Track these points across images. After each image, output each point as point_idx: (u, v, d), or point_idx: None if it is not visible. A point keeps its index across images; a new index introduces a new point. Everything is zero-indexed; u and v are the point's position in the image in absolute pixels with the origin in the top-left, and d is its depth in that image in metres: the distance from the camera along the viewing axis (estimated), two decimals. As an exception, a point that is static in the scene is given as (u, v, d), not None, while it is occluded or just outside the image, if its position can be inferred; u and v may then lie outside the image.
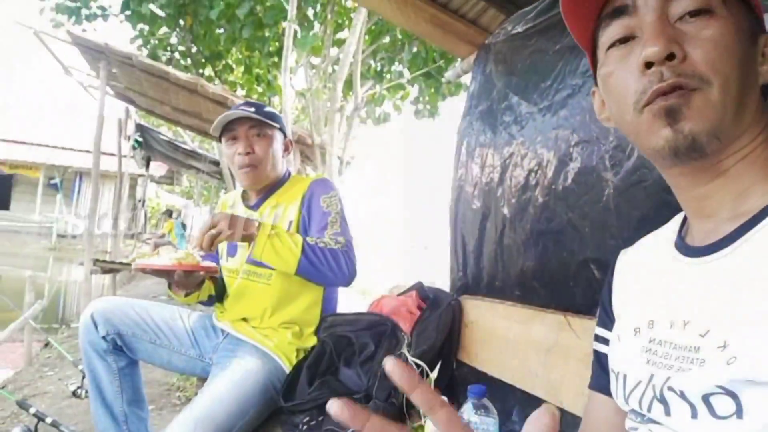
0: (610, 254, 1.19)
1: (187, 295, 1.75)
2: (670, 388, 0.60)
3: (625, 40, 0.65)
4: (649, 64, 0.60)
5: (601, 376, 0.85)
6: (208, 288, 1.86)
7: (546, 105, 1.46)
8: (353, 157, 7.44)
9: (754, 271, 0.57)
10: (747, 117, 0.61)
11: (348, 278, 1.63)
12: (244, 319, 1.79)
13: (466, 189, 1.99)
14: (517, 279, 1.60)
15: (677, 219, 0.77)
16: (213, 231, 1.53)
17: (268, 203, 1.82)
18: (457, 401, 1.90)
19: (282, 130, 1.84)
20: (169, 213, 13.75)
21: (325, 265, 1.59)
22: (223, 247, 1.84)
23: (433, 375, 1.76)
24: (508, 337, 1.61)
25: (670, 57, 0.59)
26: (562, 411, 1.34)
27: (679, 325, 0.63)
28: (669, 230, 0.77)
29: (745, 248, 0.59)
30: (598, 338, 0.88)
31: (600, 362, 0.86)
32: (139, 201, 16.54)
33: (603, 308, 0.88)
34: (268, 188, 1.83)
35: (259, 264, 1.75)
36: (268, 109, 1.81)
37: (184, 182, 20.44)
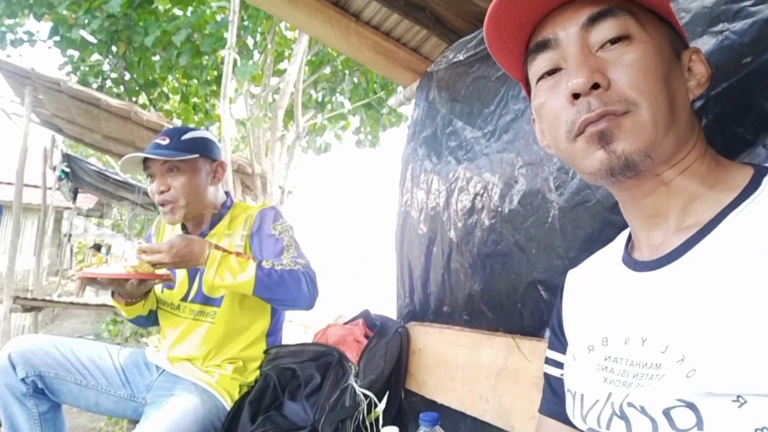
0: (557, 275, 1.21)
1: (131, 304, 1.66)
2: (630, 404, 0.60)
3: (552, 71, 0.68)
4: (576, 95, 0.63)
5: (552, 401, 0.85)
6: (152, 301, 1.76)
7: (490, 129, 1.49)
8: (295, 186, 7.37)
9: (704, 283, 0.58)
10: (680, 132, 0.63)
11: (310, 300, 1.57)
12: (186, 359, 1.69)
13: (411, 214, 1.99)
14: (465, 303, 1.60)
15: (623, 236, 0.79)
16: (169, 258, 1.45)
17: (213, 233, 1.74)
18: (406, 431, 1.86)
19: (208, 155, 1.71)
20: (97, 247, 13.09)
21: (286, 286, 1.52)
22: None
23: (382, 405, 1.72)
24: (457, 363, 1.59)
25: (596, 86, 0.62)
26: (513, 436, 1.33)
27: (636, 341, 0.63)
28: (616, 247, 0.79)
29: (694, 260, 0.61)
30: (550, 361, 0.87)
31: (551, 386, 0.86)
32: (65, 235, 15.69)
33: (553, 331, 0.88)
34: (209, 220, 1.75)
35: (205, 301, 1.68)
36: (186, 136, 1.67)
37: (114, 215, 19.60)
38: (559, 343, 0.85)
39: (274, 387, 1.75)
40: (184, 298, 1.72)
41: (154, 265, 1.47)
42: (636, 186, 0.65)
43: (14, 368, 1.56)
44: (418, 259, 1.92)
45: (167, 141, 1.63)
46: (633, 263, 0.70)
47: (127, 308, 1.68)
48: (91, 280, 1.50)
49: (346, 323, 2.00)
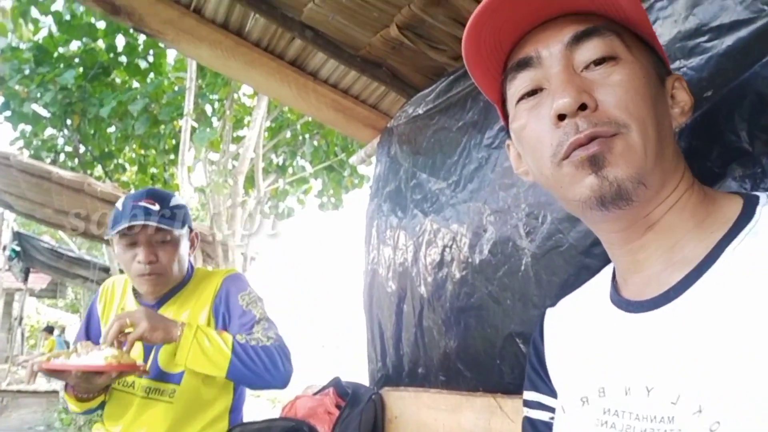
0: (534, 326, 1.15)
1: (87, 399, 1.50)
2: None
3: (533, 92, 0.64)
4: (561, 117, 0.59)
5: None
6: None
7: (455, 180, 1.46)
8: (258, 253, 7.24)
9: (709, 322, 0.53)
10: (667, 163, 0.60)
11: (285, 377, 1.46)
12: None
13: (379, 272, 1.92)
14: (441, 363, 1.52)
15: (606, 271, 0.74)
16: (132, 331, 1.33)
17: (171, 305, 1.60)
18: None
19: (189, 225, 1.63)
20: (49, 329, 12.49)
21: (260, 365, 1.41)
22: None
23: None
24: (436, 429, 1.50)
25: (582, 107, 0.58)
26: (503, 506, 1.23)
27: (639, 391, 0.57)
28: (600, 284, 0.74)
29: (695, 299, 0.56)
30: (532, 404, 0.79)
31: (536, 429, 0.77)
32: (16, 319, 14.92)
33: (534, 371, 0.80)
34: (170, 288, 1.62)
35: (161, 377, 1.54)
36: (174, 201, 1.59)
37: (69, 294, 18.81)
38: (544, 384, 0.78)
39: (239, 470, 1.60)
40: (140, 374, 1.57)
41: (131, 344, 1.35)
42: (625, 227, 0.62)
43: None
44: (388, 319, 1.84)
45: (157, 207, 1.51)
46: (625, 303, 0.65)
47: (80, 403, 1.51)
48: (57, 373, 1.33)
49: (315, 394, 1.88)
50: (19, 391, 5.36)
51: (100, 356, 1.29)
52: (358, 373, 2.02)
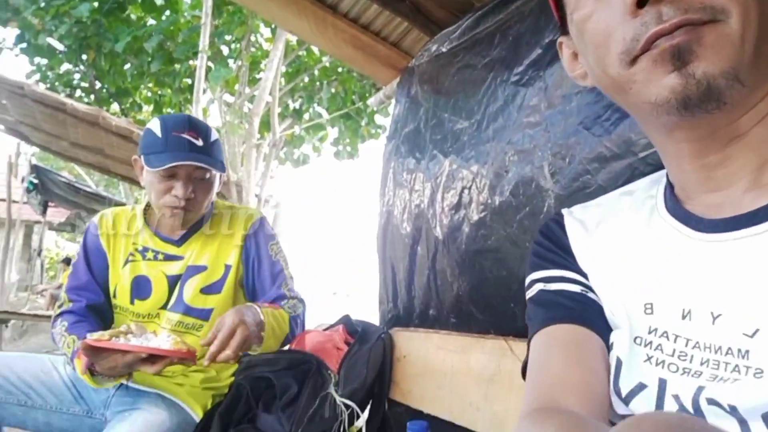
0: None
1: (106, 380, 1.35)
2: (713, 401, 0.47)
3: None
4: (641, 3, 0.47)
5: (567, 307, 0.62)
6: None
7: (477, 119, 1.40)
8: (272, 195, 7.23)
9: None
10: (765, 65, 0.49)
11: (293, 340, 1.57)
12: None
13: (394, 215, 1.89)
14: (453, 305, 1.50)
15: (655, 181, 0.63)
16: (238, 340, 1.21)
17: (194, 241, 1.55)
18: (391, 444, 1.75)
19: (223, 163, 1.56)
20: (67, 261, 12.68)
21: (290, 336, 1.51)
22: (124, 286, 1.53)
23: (364, 416, 1.60)
24: (444, 370, 1.49)
25: None
26: (508, 446, 1.23)
27: (702, 317, 0.50)
28: (644, 195, 0.63)
29: None
30: (548, 279, 0.67)
31: (564, 298, 0.63)
32: (35, 250, 15.22)
33: (550, 251, 0.69)
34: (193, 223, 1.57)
35: (187, 312, 1.52)
36: (213, 136, 1.49)
37: (87, 229, 19.12)
38: (569, 263, 0.65)
39: (246, 398, 1.62)
40: (164, 306, 1.54)
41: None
42: (705, 137, 0.51)
43: None
44: (401, 261, 1.82)
45: (200, 142, 1.42)
46: (692, 219, 0.55)
47: (96, 382, 1.33)
48: (103, 352, 1.20)
49: (325, 330, 1.89)
50: (36, 315, 5.50)
51: (164, 341, 1.20)
52: (368, 318, 2.02)
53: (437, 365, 1.53)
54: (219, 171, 1.48)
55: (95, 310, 1.54)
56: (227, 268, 1.55)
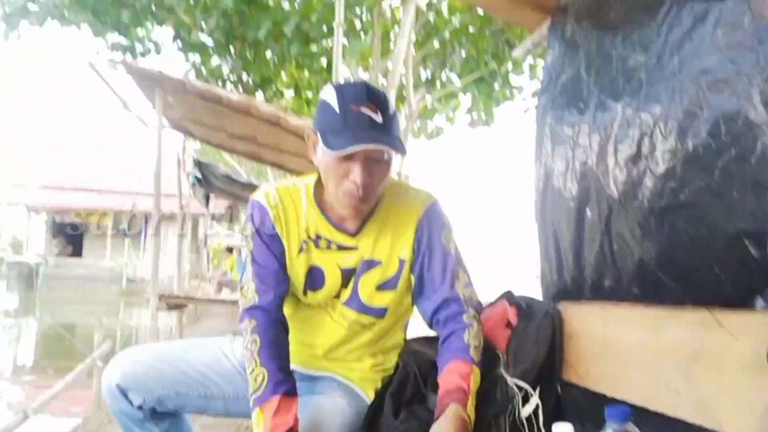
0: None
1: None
2: None
3: None
4: None
5: None
6: None
7: (657, 50, 1.22)
8: (411, 171, 7.26)
9: None
10: None
11: None
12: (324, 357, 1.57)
13: (554, 176, 1.75)
14: (635, 274, 1.34)
15: None
16: None
17: (370, 230, 1.45)
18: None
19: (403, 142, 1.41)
20: (230, 249, 14.01)
21: None
22: (299, 276, 1.47)
23: (535, 397, 1.50)
24: (629, 348, 1.34)
25: None
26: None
27: None
28: None
29: None
30: None
31: None
32: (202, 241, 16.99)
33: None
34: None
35: (363, 310, 1.50)
36: (392, 110, 1.33)
37: (242, 218, 20.96)
38: None
39: (414, 378, 1.61)
40: (337, 296, 1.51)
41: None
42: None
43: (125, 395, 1.45)
44: (566, 228, 1.67)
45: (380, 117, 1.27)
46: None
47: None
48: None
49: (485, 307, 1.81)
50: (208, 300, 6.12)
51: None
52: (529, 290, 1.90)
53: (620, 343, 1.39)
54: (401, 153, 1.29)
55: (281, 304, 1.45)
56: (401, 263, 1.48)
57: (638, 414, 1.35)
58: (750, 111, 0.95)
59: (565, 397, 1.65)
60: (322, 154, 1.34)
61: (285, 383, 1.29)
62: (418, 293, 1.53)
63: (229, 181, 10.67)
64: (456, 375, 1.34)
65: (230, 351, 1.58)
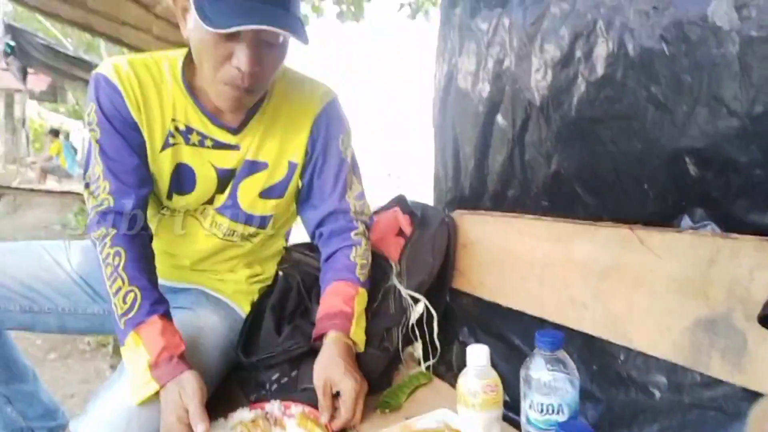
0: (724, 142, 0.89)
1: None
2: None
3: None
4: None
5: None
6: None
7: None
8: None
9: None
10: None
11: None
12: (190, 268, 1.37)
13: (459, 77, 1.62)
14: (547, 185, 1.29)
15: None
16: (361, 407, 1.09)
17: (255, 127, 1.24)
18: (456, 340, 1.63)
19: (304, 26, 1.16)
20: (54, 133, 12.44)
21: None
22: (162, 175, 1.22)
23: (427, 306, 1.45)
24: (532, 260, 1.32)
25: None
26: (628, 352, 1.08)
27: None
28: None
29: None
30: None
31: None
32: (19, 120, 14.89)
33: None
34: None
35: (240, 219, 1.29)
36: None
37: (70, 99, 18.51)
38: None
39: (298, 289, 1.47)
40: (209, 202, 1.28)
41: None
42: None
43: None
44: (470, 133, 1.58)
45: None
46: None
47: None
48: None
49: (376, 212, 1.69)
50: (32, 190, 5.35)
51: None
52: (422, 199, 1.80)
53: (522, 254, 1.36)
54: (302, 40, 1.03)
55: (143, 207, 1.20)
56: (292, 166, 1.29)
57: (534, 325, 1.36)
58: (719, 14, 0.87)
59: (455, 306, 1.63)
60: (195, 27, 1.05)
61: (162, 303, 1.09)
62: (304, 200, 1.37)
63: (53, 54, 9.30)
64: (339, 298, 1.24)
65: (65, 259, 1.31)
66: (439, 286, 1.58)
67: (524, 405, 0.86)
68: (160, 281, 1.33)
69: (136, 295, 1.06)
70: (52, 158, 11.13)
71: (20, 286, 1.23)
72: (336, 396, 1.10)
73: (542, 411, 0.84)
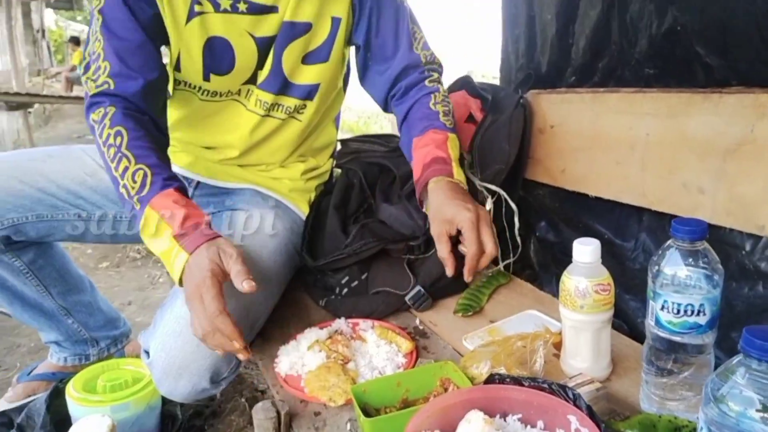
0: None
1: None
2: None
3: None
4: None
5: None
6: None
7: None
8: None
9: None
10: None
11: None
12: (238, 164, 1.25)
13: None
14: (656, 47, 1.11)
15: None
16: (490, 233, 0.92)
17: None
18: (533, 235, 1.51)
19: None
20: (75, 41, 12.18)
21: None
22: (192, 53, 1.07)
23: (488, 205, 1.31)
24: (630, 141, 1.16)
25: None
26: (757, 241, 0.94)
27: None
28: None
29: None
30: None
31: None
32: (38, 31, 14.65)
33: None
34: None
35: (293, 92, 1.15)
36: None
37: (86, 7, 18.00)
38: None
39: (360, 185, 1.35)
40: (251, 81, 1.14)
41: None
42: None
43: None
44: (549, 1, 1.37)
45: None
46: None
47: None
48: None
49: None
50: (60, 97, 5.25)
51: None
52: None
53: (617, 136, 1.19)
54: None
55: (151, 94, 1.03)
56: (335, 22, 1.12)
57: (630, 216, 1.22)
58: None
59: (532, 199, 1.50)
60: None
61: (174, 179, 0.95)
62: (366, 66, 1.21)
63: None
64: (430, 147, 1.09)
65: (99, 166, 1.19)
66: (513, 177, 1.44)
67: (654, 305, 0.74)
68: (208, 181, 1.23)
69: (145, 172, 0.92)
70: (75, 68, 10.99)
71: (66, 193, 1.14)
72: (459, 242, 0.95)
73: (678, 312, 0.72)
